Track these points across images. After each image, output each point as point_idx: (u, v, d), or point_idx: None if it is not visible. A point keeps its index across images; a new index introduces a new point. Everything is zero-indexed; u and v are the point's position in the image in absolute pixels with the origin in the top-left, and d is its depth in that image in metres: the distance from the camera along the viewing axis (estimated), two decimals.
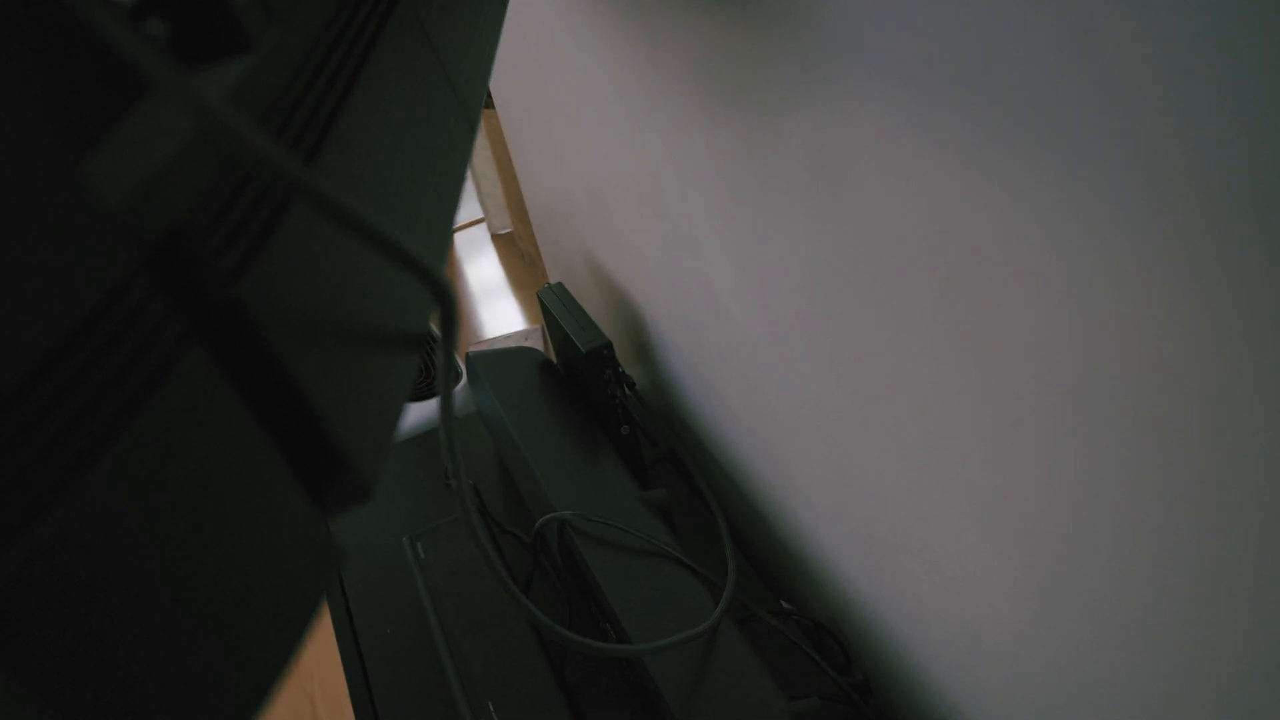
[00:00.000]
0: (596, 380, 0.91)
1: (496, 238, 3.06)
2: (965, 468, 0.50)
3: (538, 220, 1.41)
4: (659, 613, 0.70)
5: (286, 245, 0.23)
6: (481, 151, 2.71)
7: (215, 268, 0.21)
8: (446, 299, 0.27)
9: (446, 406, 0.29)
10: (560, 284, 1.02)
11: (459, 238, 3.11)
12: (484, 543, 0.37)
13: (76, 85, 0.22)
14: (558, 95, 0.99)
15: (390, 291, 0.28)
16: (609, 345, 0.90)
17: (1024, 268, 0.39)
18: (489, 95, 1.88)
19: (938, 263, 0.45)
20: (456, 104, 0.41)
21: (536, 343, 1.27)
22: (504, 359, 1.02)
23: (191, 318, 0.21)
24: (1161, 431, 0.35)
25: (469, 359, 1.03)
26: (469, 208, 3.26)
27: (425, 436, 1.14)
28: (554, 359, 1.17)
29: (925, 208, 0.44)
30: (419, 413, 1.29)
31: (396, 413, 0.28)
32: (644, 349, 1.08)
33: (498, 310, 2.66)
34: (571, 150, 1.03)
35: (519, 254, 2.88)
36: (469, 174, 2.91)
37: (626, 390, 0.93)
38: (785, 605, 0.83)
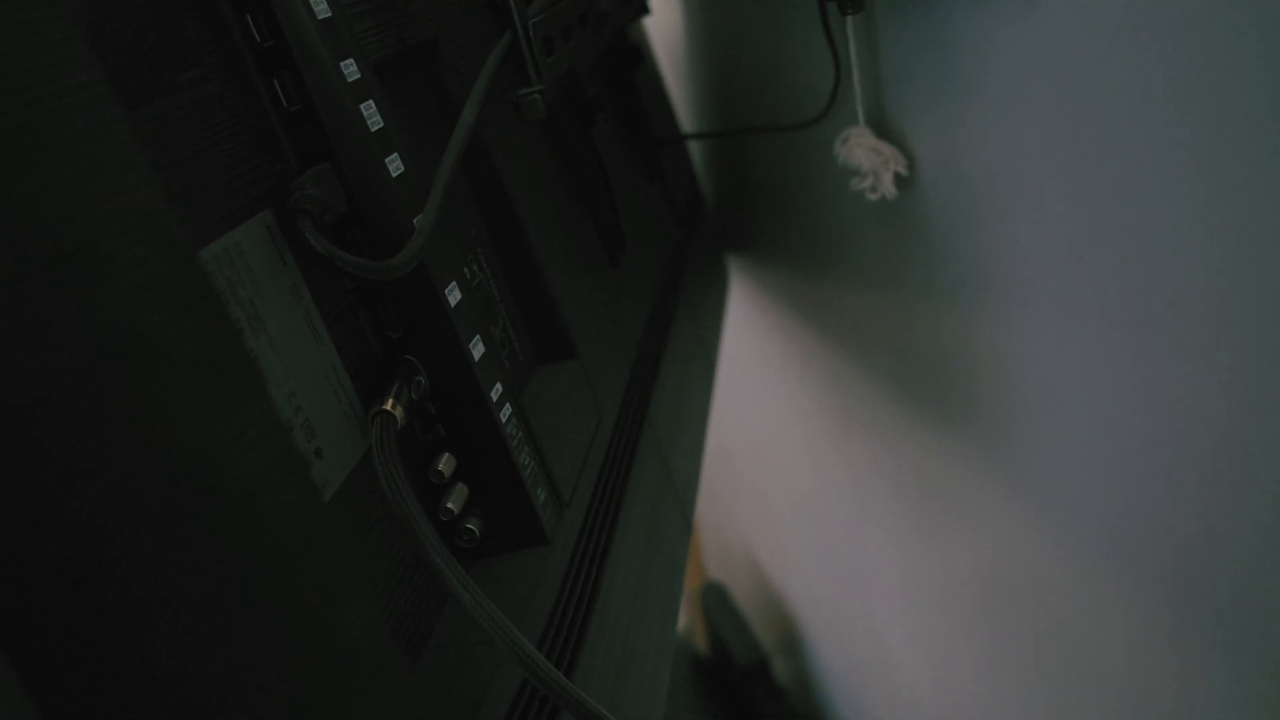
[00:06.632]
0: (750, 693, 0.91)
1: None
2: None
3: (702, 509, 1.45)
4: None
5: None
6: None
7: None
8: None
9: None
10: (722, 586, 1.04)
11: None
12: None
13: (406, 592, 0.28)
14: (737, 415, 1.06)
15: None
16: (764, 662, 0.90)
17: None
18: None
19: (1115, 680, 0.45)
20: (680, 514, 0.45)
21: (684, 607, 1.29)
22: None
23: None
24: None
25: None
26: None
27: None
28: (704, 640, 1.18)
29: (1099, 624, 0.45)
30: None
31: None
32: (794, 644, 1.07)
33: None
34: (746, 460, 1.08)
35: None
36: None
37: (777, 706, 0.92)
38: None
